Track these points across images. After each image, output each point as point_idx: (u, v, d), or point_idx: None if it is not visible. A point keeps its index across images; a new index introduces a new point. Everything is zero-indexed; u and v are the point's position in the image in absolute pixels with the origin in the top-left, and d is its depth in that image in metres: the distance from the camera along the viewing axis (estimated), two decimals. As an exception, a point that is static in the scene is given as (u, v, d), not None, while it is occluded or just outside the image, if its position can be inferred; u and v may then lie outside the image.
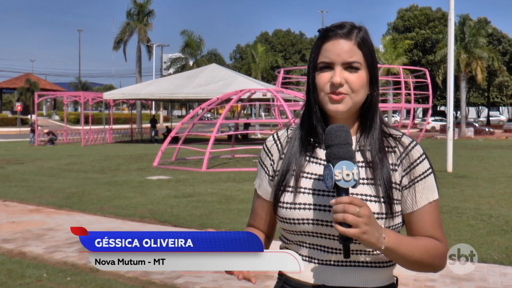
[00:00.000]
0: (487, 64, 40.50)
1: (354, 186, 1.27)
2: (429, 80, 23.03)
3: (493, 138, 34.82)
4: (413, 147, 1.45)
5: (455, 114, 48.55)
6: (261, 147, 1.63)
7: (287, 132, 1.54)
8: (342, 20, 1.45)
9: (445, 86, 36.88)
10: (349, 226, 1.24)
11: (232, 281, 5.03)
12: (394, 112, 49.98)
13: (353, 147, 1.41)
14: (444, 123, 36.34)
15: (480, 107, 68.24)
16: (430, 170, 1.45)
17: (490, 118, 63.11)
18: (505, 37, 59.05)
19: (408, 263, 1.38)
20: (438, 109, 60.90)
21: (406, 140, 1.47)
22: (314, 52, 1.44)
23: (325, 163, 1.34)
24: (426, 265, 1.40)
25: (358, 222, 1.23)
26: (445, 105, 49.40)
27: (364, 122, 1.46)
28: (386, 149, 1.45)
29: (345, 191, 1.27)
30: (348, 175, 1.25)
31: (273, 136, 1.56)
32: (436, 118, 49.21)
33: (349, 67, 1.39)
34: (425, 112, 57.72)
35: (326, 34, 1.42)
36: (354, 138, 1.46)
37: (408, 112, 28.42)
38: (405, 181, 1.43)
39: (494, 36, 56.64)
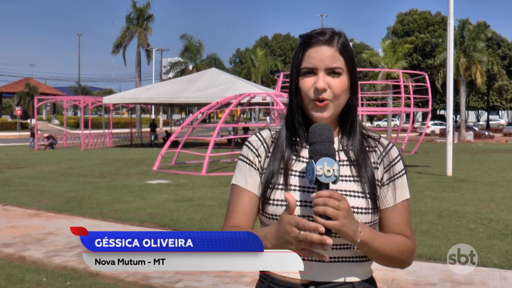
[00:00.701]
0: (487, 68, 40.60)
1: (334, 182, 1.33)
2: (428, 84, 23.02)
3: (493, 142, 34.86)
4: (391, 147, 1.55)
5: (454, 118, 48.62)
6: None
7: (271, 132, 1.58)
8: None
9: (444, 90, 36.97)
10: (328, 218, 1.29)
11: (231, 285, 5.02)
12: (394, 116, 50.04)
13: (336, 147, 1.50)
14: (444, 127, 36.32)
15: (479, 111, 68.36)
16: (404, 171, 1.55)
17: (490, 122, 63.25)
18: (505, 41, 59.17)
19: (380, 258, 1.45)
20: (437, 113, 60.94)
21: (384, 141, 1.57)
22: (297, 58, 1.50)
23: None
24: (395, 260, 1.47)
25: (337, 215, 1.29)
26: (444, 109, 49.45)
27: (344, 125, 1.54)
28: (367, 148, 1.54)
29: (326, 186, 1.32)
30: (329, 171, 1.31)
31: (256, 136, 1.58)
32: (436, 122, 49.27)
33: (332, 72, 1.46)
34: (424, 116, 57.77)
35: (309, 41, 1.49)
36: (336, 139, 1.53)
37: (407, 116, 28.40)
38: (385, 178, 1.52)
39: (494, 40, 56.76)
